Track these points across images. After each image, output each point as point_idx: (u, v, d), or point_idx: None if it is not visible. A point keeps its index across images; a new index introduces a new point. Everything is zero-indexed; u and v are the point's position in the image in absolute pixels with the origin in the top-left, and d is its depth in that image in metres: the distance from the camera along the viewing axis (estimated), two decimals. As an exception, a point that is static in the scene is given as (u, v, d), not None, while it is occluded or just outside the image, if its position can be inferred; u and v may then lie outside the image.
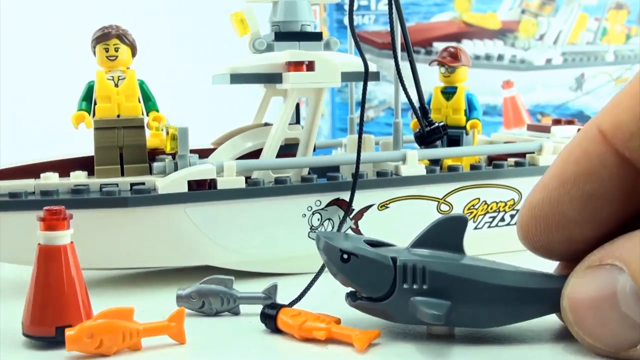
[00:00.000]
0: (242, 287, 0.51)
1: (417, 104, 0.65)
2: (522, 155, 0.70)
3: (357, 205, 0.62)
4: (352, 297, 0.44)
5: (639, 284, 0.32)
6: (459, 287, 0.40)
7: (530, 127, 0.80)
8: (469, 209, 0.66)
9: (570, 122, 0.75)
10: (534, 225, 0.37)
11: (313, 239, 0.61)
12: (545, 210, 0.36)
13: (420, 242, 0.42)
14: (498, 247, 0.65)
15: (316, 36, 0.66)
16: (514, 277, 0.40)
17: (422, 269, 0.40)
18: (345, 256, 0.41)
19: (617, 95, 0.34)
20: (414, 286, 0.40)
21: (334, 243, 0.41)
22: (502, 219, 0.68)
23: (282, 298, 0.49)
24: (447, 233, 0.41)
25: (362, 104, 0.59)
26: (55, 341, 0.43)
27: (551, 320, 0.45)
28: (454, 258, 0.41)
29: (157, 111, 0.63)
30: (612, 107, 0.34)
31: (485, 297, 0.40)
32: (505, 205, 0.68)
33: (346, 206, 0.60)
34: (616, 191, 0.33)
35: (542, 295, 0.39)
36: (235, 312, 0.50)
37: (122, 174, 0.61)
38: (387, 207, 0.63)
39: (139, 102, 0.62)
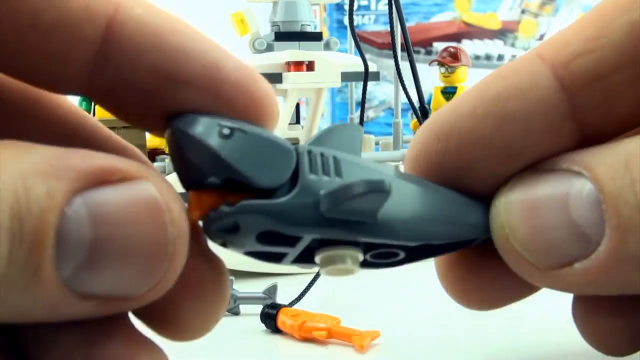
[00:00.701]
0: (242, 287, 0.51)
1: (417, 104, 0.65)
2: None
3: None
4: (224, 210, 0.25)
5: (602, 188, 0.26)
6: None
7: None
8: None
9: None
10: (432, 141, 0.28)
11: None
12: (451, 123, 0.28)
13: (313, 143, 0.28)
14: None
15: (316, 36, 0.66)
16: (434, 189, 0.29)
17: (334, 158, 0.26)
18: (227, 131, 0.25)
19: (560, 30, 0.28)
20: (324, 178, 0.25)
21: (207, 116, 0.25)
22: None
23: (282, 298, 0.49)
24: (343, 140, 0.28)
25: (362, 104, 0.59)
26: None
27: (552, 320, 0.46)
28: (359, 158, 0.29)
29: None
30: (556, 35, 0.28)
31: (408, 200, 0.28)
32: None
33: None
34: (539, 121, 0.27)
35: (470, 210, 0.29)
36: (235, 312, 0.50)
37: (122, 174, 0.61)
38: (387, 207, 0.63)
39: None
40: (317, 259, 0.27)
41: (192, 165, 0.24)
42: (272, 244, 0.26)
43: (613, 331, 0.30)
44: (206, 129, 0.24)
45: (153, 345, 0.25)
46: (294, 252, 0.26)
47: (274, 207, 0.24)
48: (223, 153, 0.24)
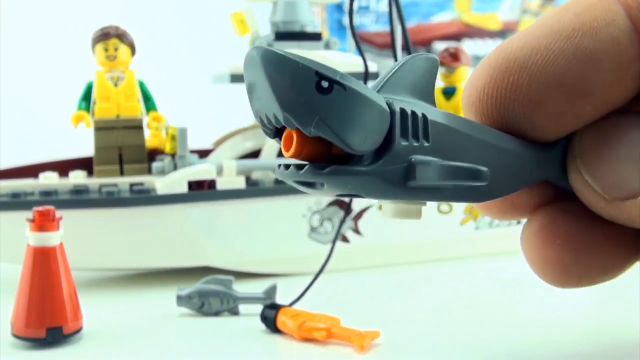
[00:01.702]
0: (242, 287, 0.51)
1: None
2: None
3: (356, 206, 0.62)
4: (317, 167, 0.24)
5: None
6: (464, 146, 0.27)
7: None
8: (470, 208, 0.66)
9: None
10: (502, 78, 0.27)
11: (313, 239, 0.61)
12: (525, 57, 0.27)
13: (388, 86, 0.27)
14: (498, 247, 0.65)
15: (316, 36, 0.66)
16: (507, 138, 0.29)
17: (423, 118, 0.25)
18: (325, 84, 0.23)
19: None
20: (415, 143, 0.25)
21: (303, 61, 0.23)
22: (502, 219, 0.68)
23: (282, 298, 0.49)
24: (417, 78, 0.28)
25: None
26: (46, 342, 0.43)
27: (552, 320, 0.46)
28: (441, 111, 0.28)
29: (157, 111, 0.63)
30: None
31: (488, 159, 0.28)
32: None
33: (346, 206, 0.60)
34: (611, 61, 0.26)
35: (541, 155, 0.29)
36: (235, 312, 0.50)
37: (122, 174, 0.61)
38: (387, 207, 0.63)
39: (139, 102, 0.62)
40: (383, 208, 0.27)
41: (283, 110, 0.22)
42: (344, 196, 0.25)
43: (556, 261, 0.30)
44: (303, 77, 0.22)
45: None
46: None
47: (363, 175, 0.24)
48: (321, 112, 0.22)
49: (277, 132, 0.24)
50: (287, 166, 0.24)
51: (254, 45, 0.23)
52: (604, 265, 0.30)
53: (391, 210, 0.26)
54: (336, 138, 0.23)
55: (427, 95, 0.27)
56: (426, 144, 0.25)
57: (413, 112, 0.25)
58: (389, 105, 0.24)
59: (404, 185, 0.24)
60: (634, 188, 0.27)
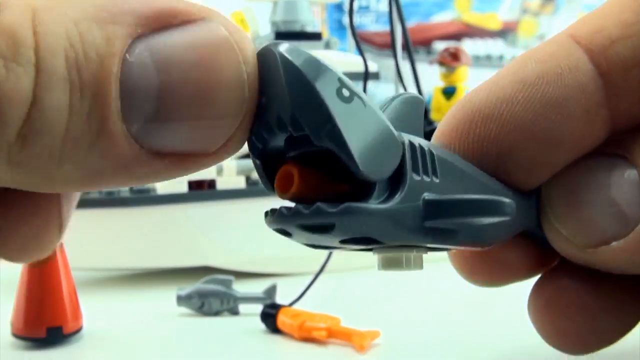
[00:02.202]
0: (242, 287, 0.51)
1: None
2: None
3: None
4: (322, 207, 0.20)
5: None
6: (467, 184, 0.25)
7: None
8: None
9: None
10: (467, 131, 0.27)
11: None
12: (491, 108, 0.26)
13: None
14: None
15: (316, 36, 0.66)
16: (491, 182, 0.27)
17: (430, 153, 0.23)
18: (347, 92, 0.20)
19: (591, 12, 0.27)
20: (426, 179, 0.22)
21: (323, 61, 0.20)
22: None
23: (282, 298, 0.49)
24: (406, 116, 0.25)
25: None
26: (46, 342, 0.43)
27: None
28: (441, 148, 0.25)
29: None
30: (588, 17, 0.27)
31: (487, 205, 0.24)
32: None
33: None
34: (579, 107, 0.26)
35: (522, 200, 0.28)
36: (235, 312, 0.50)
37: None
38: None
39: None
40: (378, 259, 0.23)
41: (296, 112, 0.20)
42: (353, 244, 0.22)
43: (572, 331, 0.30)
44: (326, 80, 0.20)
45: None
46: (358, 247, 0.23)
47: (379, 213, 0.20)
48: (338, 118, 0.20)
49: (265, 168, 0.21)
50: (280, 211, 0.21)
51: (270, 42, 0.21)
52: (622, 324, 0.30)
53: (388, 260, 0.23)
54: (348, 154, 0.20)
55: (418, 135, 0.24)
56: (436, 180, 0.23)
57: (421, 146, 0.22)
58: (398, 135, 0.22)
59: (420, 226, 0.22)
60: (605, 234, 0.26)
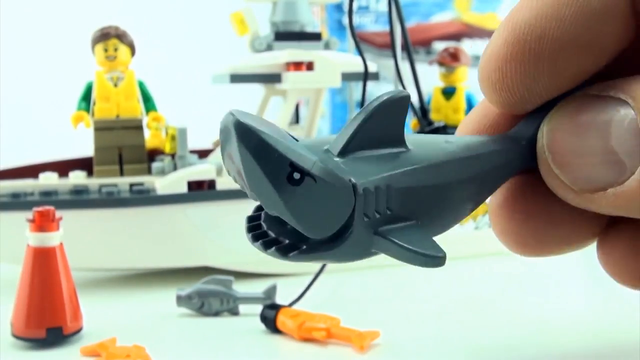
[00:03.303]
0: (242, 287, 0.51)
1: (417, 104, 0.65)
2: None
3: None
4: (283, 250, 0.25)
5: None
6: (429, 198, 0.27)
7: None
8: (469, 209, 0.66)
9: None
10: (521, 51, 0.28)
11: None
12: (542, 27, 0.27)
13: (355, 144, 0.26)
14: (498, 247, 0.65)
15: (316, 36, 0.66)
16: (472, 144, 0.29)
17: (387, 188, 0.25)
18: (297, 175, 0.23)
19: None
20: (377, 215, 0.25)
21: (280, 148, 0.23)
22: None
23: (282, 298, 0.49)
24: (387, 123, 0.27)
25: (362, 104, 0.59)
26: (46, 342, 0.43)
27: (552, 320, 0.45)
28: (407, 159, 0.27)
29: (157, 111, 0.63)
30: None
31: (457, 194, 0.28)
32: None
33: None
34: (617, 14, 0.28)
35: (510, 151, 0.30)
36: (235, 312, 0.50)
37: (122, 174, 0.61)
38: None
39: (138, 102, 0.62)
40: None
41: (250, 188, 0.23)
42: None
43: (521, 235, 0.32)
44: (276, 167, 0.23)
45: None
46: None
47: (327, 256, 0.25)
48: (285, 200, 0.23)
49: None
50: (256, 237, 0.26)
51: (232, 110, 0.23)
52: (562, 240, 0.32)
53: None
54: (295, 225, 0.24)
55: (398, 138, 0.27)
56: (389, 213, 0.25)
57: (377, 188, 0.25)
58: (353, 186, 0.24)
59: (368, 252, 0.26)
60: (602, 181, 0.27)
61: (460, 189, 0.28)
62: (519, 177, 0.31)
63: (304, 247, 0.25)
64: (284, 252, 0.25)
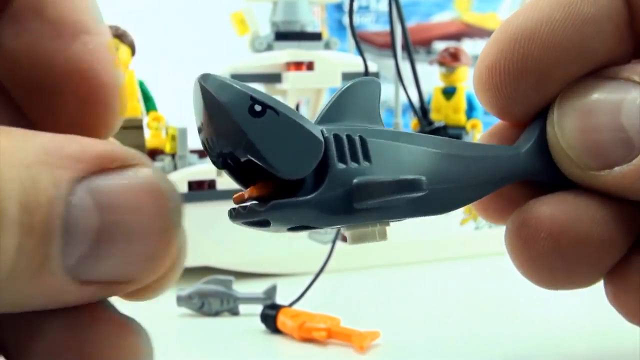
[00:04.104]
0: (242, 287, 0.51)
1: (417, 104, 0.65)
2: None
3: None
4: (254, 207, 0.24)
5: None
6: (410, 160, 0.26)
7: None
8: (469, 209, 0.66)
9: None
10: (511, 52, 0.28)
11: (313, 239, 0.61)
12: (531, 28, 0.28)
13: (329, 114, 0.26)
14: (498, 247, 0.65)
15: (316, 36, 0.66)
16: (467, 146, 0.29)
17: (361, 140, 0.25)
18: (258, 107, 0.23)
19: None
20: (353, 165, 0.24)
21: (239, 85, 0.23)
22: (503, 219, 0.68)
23: (282, 298, 0.49)
24: (360, 102, 0.27)
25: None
26: None
27: (552, 321, 0.45)
28: (382, 129, 0.27)
29: (157, 111, 0.63)
30: None
31: (443, 169, 0.27)
32: (506, 205, 0.68)
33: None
34: (609, 23, 0.28)
35: (504, 157, 0.29)
36: (235, 313, 0.50)
37: (122, 174, 0.61)
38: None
39: (139, 102, 0.62)
40: (347, 235, 0.26)
41: (217, 134, 0.23)
42: (304, 229, 0.25)
43: (548, 259, 0.29)
44: (236, 100, 0.23)
45: (136, 324, 0.25)
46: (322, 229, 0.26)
47: (304, 204, 0.23)
48: (250, 132, 0.23)
49: (226, 166, 0.25)
50: (230, 212, 0.25)
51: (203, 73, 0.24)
52: (593, 261, 0.29)
53: (355, 235, 0.25)
54: (265, 162, 0.23)
55: (373, 118, 0.27)
56: (367, 164, 0.25)
57: (349, 136, 0.25)
58: (322, 132, 0.24)
59: (351, 209, 0.24)
60: (610, 158, 0.27)
61: (446, 169, 0.27)
62: (536, 201, 0.29)
63: (279, 199, 0.23)
64: (258, 206, 0.24)
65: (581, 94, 0.28)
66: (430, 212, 0.27)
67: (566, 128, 0.28)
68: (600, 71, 0.29)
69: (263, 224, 0.24)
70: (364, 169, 0.24)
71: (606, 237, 0.28)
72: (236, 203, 0.25)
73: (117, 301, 0.23)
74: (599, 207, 0.28)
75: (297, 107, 0.68)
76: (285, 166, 0.23)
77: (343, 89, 0.27)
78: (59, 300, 0.20)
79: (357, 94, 0.27)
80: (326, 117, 0.26)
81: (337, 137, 0.24)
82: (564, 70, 0.28)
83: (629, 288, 0.30)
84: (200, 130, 0.24)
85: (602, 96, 0.28)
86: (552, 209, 0.28)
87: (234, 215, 0.25)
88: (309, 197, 0.23)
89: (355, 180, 0.24)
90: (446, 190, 0.27)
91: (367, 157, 0.25)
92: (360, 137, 0.25)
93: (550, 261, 0.29)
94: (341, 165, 0.24)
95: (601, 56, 0.28)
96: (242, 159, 0.23)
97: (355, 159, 0.25)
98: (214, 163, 0.24)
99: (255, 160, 0.23)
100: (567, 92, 0.29)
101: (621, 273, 0.30)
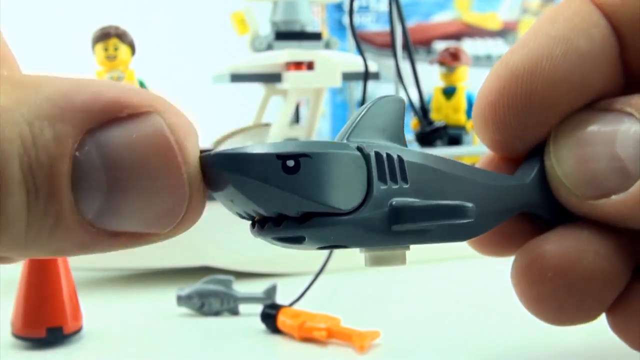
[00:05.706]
0: (242, 287, 0.51)
1: (417, 104, 0.65)
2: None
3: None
4: (292, 222, 0.23)
5: None
6: (443, 185, 0.26)
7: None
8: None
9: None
10: (514, 88, 0.29)
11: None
12: (535, 65, 0.28)
13: (357, 131, 0.25)
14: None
15: (316, 36, 0.66)
16: (485, 173, 0.29)
17: (399, 159, 0.24)
18: (291, 162, 0.21)
19: None
20: (394, 186, 0.24)
21: (257, 151, 0.21)
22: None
23: (282, 298, 0.49)
24: (385, 120, 0.26)
25: (363, 104, 0.59)
26: (46, 342, 0.43)
27: (553, 326, 0.45)
28: (414, 150, 0.27)
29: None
30: None
31: (469, 195, 0.27)
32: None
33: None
34: (606, 58, 0.29)
35: (515, 188, 0.29)
36: (235, 312, 0.50)
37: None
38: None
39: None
40: (365, 256, 0.25)
41: (258, 204, 0.22)
42: (334, 248, 0.24)
43: (556, 297, 0.30)
44: (266, 167, 0.21)
45: None
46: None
47: (346, 224, 0.23)
48: (296, 191, 0.21)
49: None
50: (262, 223, 0.23)
51: (202, 151, 0.22)
52: (598, 295, 0.29)
53: (374, 258, 0.25)
54: (322, 208, 0.22)
55: (398, 138, 0.26)
56: (405, 186, 0.24)
57: (388, 155, 0.24)
58: (361, 150, 0.23)
59: (388, 230, 0.24)
60: (606, 187, 0.28)
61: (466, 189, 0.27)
62: (541, 239, 0.29)
63: (319, 216, 0.22)
64: (298, 221, 0.22)
65: (577, 126, 0.29)
66: (455, 238, 0.27)
67: (563, 158, 0.29)
68: (595, 104, 0.29)
69: (297, 240, 0.23)
70: (403, 190, 0.24)
71: (610, 270, 0.29)
72: (257, 220, 0.23)
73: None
74: (600, 240, 0.28)
75: (297, 107, 0.68)
76: (339, 202, 0.22)
77: (369, 106, 0.26)
78: (93, 249, 0.20)
79: (382, 111, 0.26)
80: (355, 134, 0.25)
81: (377, 155, 0.24)
82: (565, 104, 0.29)
83: (632, 317, 0.30)
84: (229, 206, 0.23)
85: (597, 128, 0.28)
86: (555, 247, 0.29)
87: (262, 230, 0.23)
88: (350, 216, 0.23)
89: (394, 202, 0.23)
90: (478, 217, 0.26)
91: (404, 178, 0.24)
92: (399, 156, 0.24)
93: (558, 299, 0.29)
94: (382, 185, 0.23)
95: (597, 89, 0.29)
96: (293, 215, 0.22)
97: (394, 179, 0.24)
98: (253, 224, 0.24)
99: (309, 210, 0.22)
100: (563, 125, 0.29)
101: (623, 304, 0.30)
